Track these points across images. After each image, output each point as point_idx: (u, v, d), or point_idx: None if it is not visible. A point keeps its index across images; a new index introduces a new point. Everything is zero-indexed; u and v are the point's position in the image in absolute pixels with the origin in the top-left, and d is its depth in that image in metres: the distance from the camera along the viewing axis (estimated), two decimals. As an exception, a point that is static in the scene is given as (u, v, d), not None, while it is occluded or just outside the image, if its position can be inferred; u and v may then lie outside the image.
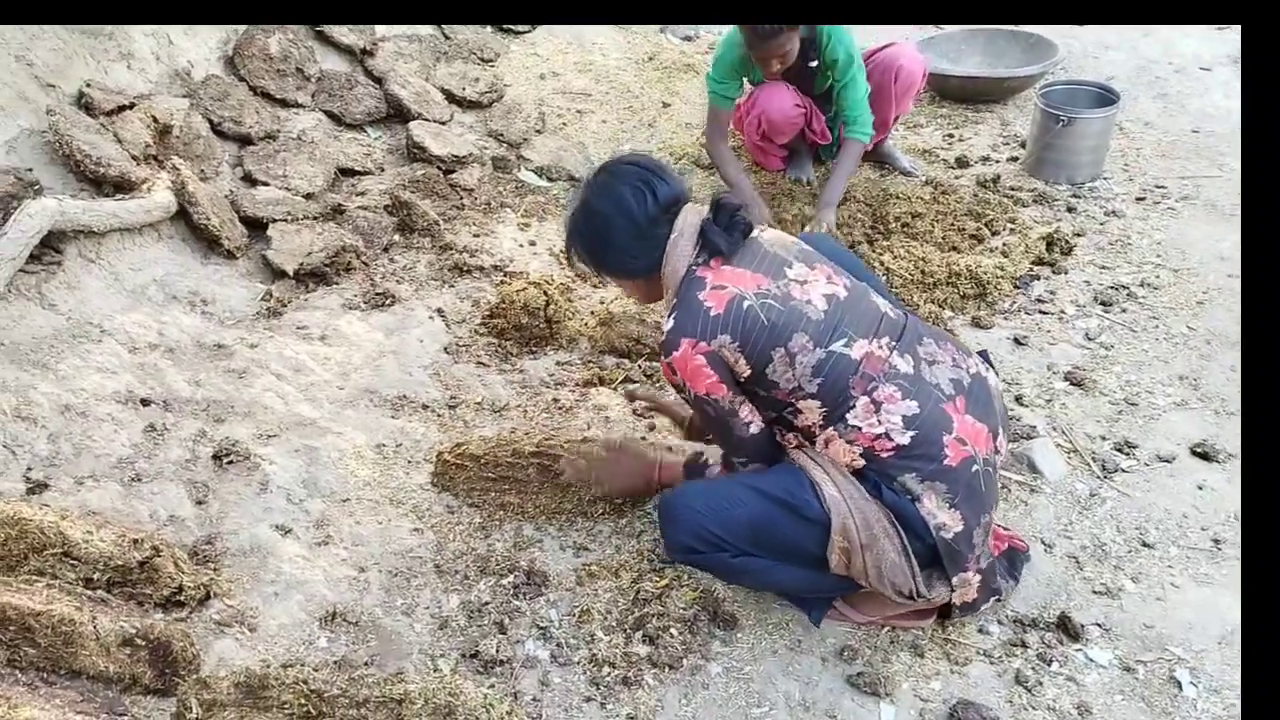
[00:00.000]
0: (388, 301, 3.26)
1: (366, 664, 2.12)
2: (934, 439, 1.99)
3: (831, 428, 2.03)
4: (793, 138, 3.90)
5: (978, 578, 2.10)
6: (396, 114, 4.14)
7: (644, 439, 2.71)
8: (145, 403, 2.66)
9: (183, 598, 2.14)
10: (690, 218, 2.08)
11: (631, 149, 4.32)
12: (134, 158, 3.16)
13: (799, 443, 2.12)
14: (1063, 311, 3.31)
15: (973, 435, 2.03)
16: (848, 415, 2.00)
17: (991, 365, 2.23)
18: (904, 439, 1.99)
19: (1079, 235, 3.69)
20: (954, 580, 2.06)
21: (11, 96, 3.04)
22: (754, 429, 2.09)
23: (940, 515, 1.98)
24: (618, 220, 2.07)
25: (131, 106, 3.31)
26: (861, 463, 2.02)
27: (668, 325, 2.03)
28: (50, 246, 2.85)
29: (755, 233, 2.12)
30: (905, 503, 1.98)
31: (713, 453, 2.36)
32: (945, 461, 1.99)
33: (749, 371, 2.02)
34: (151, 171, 3.17)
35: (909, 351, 2.06)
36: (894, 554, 1.99)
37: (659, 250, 2.07)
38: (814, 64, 3.62)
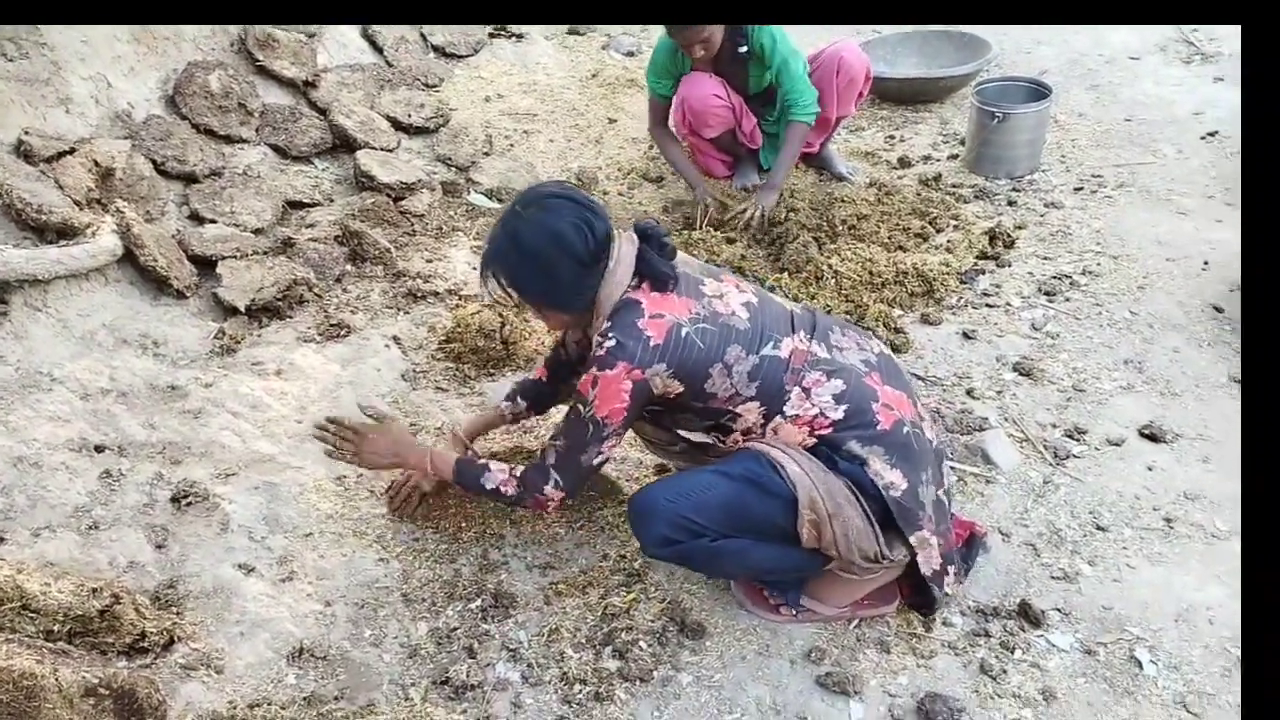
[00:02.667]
0: (342, 332, 3.25)
1: (336, 698, 2.11)
2: (865, 408, 2.11)
3: (774, 419, 2.11)
4: (723, 135, 3.95)
5: (936, 540, 2.14)
6: (343, 144, 4.13)
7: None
8: (99, 449, 2.63)
9: (146, 644, 2.11)
10: (625, 247, 2.11)
11: (580, 165, 4.34)
12: (77, 203, 3.12)
13: (746, 439, 2.17)
14: (1009, 304, 3.38)
15: (896, 401, 2.15)
16: (785, 407, 2.10)
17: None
18: (838, 414, 2.09)
19: (1020, 228, 3.77)
20: (912, 540, 2.12)
21: (-53, 148, 3.01)
22: (597, 462, 2.16)
23: (886, 475, 2.08)
24: (562, 260, 2.05)
25: (72, 151, 3.27)
26: (812, 441, 2.11)
27: (608, 343, 2.04)
28: (-6, 298, 2.82)
29: None
30: (856, 468, 2.08)
31: (495, 464, 2.30)
32: (879, 427, 2.10)
33: (681, 389, 2.08)
34: (95, 216, 3.13)
35: (823, 340, 2.17)
36: (858, 519, 2.07)
37: (598, 285, 2.09)
38: (744, 49, 3.68)
